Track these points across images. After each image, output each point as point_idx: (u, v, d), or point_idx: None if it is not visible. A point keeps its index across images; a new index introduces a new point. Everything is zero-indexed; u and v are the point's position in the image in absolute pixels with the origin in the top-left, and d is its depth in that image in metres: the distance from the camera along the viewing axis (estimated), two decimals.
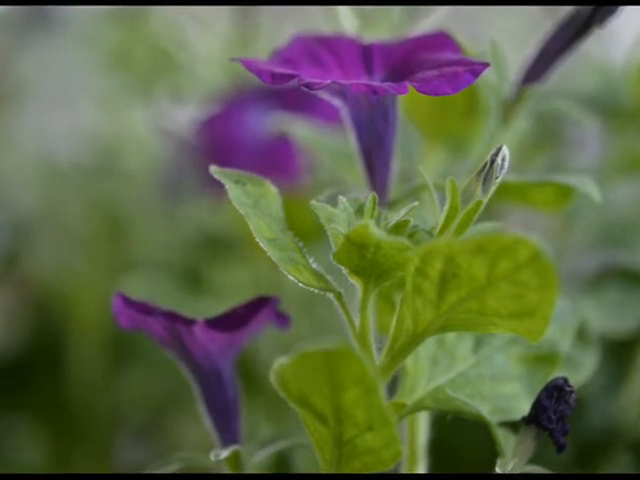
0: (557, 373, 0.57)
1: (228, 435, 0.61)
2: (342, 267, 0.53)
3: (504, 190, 0.57)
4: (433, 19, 0.79)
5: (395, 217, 0.54)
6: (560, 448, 0.54)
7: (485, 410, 0.56)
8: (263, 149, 0.98)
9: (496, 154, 0.53)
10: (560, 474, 0.59)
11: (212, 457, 0.57)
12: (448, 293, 0.51)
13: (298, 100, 0.93)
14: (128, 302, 0.60)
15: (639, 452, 0.81)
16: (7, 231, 1.19)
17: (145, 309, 0.60)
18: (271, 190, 0.58)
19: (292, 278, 0.53)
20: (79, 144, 1.25)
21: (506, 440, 0.56)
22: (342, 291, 0.54)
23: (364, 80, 0.60)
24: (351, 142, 0.61)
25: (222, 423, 0.61)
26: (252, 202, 0.56)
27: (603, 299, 0.81)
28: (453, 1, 0.94)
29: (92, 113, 1.26)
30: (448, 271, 0.49)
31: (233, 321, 0.60)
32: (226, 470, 0.59)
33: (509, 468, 0.54)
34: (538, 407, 0.54)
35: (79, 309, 1.11)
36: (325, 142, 0.73)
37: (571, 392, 0.54)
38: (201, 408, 0.62)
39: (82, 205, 1.15)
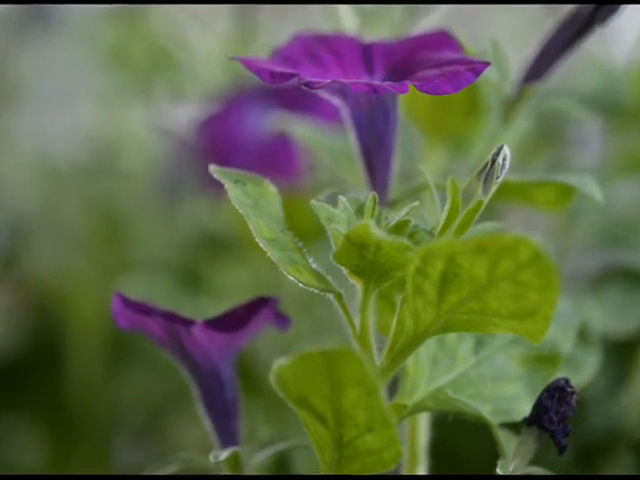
0: (558, 374, 0.57)
1: (227, 436, 0.61)
2: (342, 267, 0.53)
3: (505, 190, 0.57)
4: (434, 18, 0.78)
5: (396, 217, 0.53)
6: (561, 449, 0.53)
7: (486, 411, 0.55)
8: (263, 148, 0.97)
9: (497, 153, 0.53)
10: (561, 475, 0.59)
11: (211, 458, 0.57)
12: (449, 293, 0.51)
13: (298, 99, 0.93)
14: (127, 302, 0.59)
15: None
16: (5, 231, 1.19)
17: (144, 309, 0.60)
18: (271, 190, 0.57)
19: (292, 278, 0.53)
20: (77, 143, 1.24)
21: (507, 441, 0.56)
22: (342, 291, 0.54)
23: (364, 79, 0.59)
24: (351, 141, 0.60)
25: (221, 424, 0.61)
26: (252, 202, 0.56)
27: (605, 299, 0.80)
28: (454, 0, 0.93)
29: (91, 112, 1.26)
30: (449, 271, 0.49)
31: (232, 322, 0.60)
32: (225, 471, 0.59)
33: (510, 469, 0.54)
34: (539, 408, 0.54)
35: (78, 309, 1.10)
36: (325, 141, 0.73)
37: (572, 393, 0.54)
38: (200, 409, 0.61)
39: (80, 205, 1.15)
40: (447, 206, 0.53)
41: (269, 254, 0.53)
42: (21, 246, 1.17)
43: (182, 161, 1.12)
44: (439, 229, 0.53)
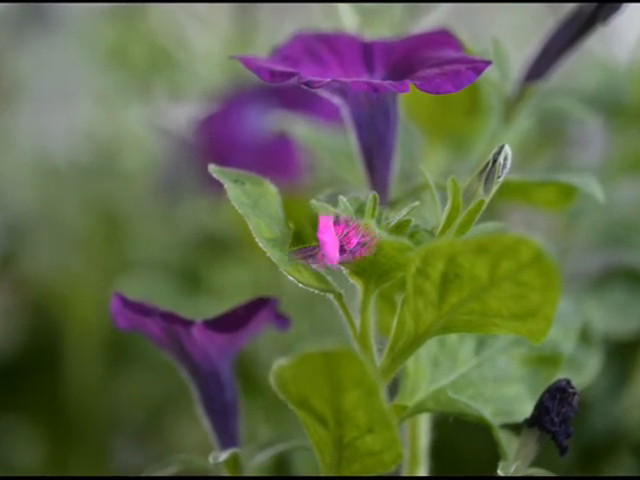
0: (560, 375, 0.57)
1: (227, 437, 0.61)
2: (342, 267, 0.53)
3: (506, 189, 0.57)
4: (434, 16, 0.78)
5: (396, 217, 0.53)
6: (563, 451, 0.53)
7: (487, 412, 0.55)
8: (262, 148, 0.97)
9: (498, 153, 0.53)
10: (563, 477, 0.59)
11: (211, 460, 0.57)
12: (449, 294, 0.50)
13: (298, 98, 0.93)
14: (126, 303, 0.59)
15: None
16: (4, 231, 1.19)
17: (143, 310, 0.59)
18: (271, 189, 0.57)
19: (292, 278, 0.53)
20: (76, 143, 1.24)
21: (508, 443, 0.55)
22: (342, 292, 0.54)
23: (365, 78, 0.59)
24: (351, 141, 0.60)
25: (221, 425, 0.61)
26: (251, 202, 0.55)
27: (607, 300, 0.80)
28: None
29: (89, 112, 1.26)
30: (449, 271, 0.49)
31: (232, 322, 0.59)
32: (225, 473, 0.59)
33: (511, 471, 0.53)
34: (541, 409, 0.53)
35: (76, 310, 1.10)
36: (325, 141, 0.73)
37: (574, 394, 0.53)
38: (200, 410, 0.61)
39: (79, 205, 1.15)
40: (448, 206, 0.53)
41: (269, 254, 0.53)
42: (20, 246, 1.17)
43: (182, 161, 1.12)
44: (440, 229, 0.53)
